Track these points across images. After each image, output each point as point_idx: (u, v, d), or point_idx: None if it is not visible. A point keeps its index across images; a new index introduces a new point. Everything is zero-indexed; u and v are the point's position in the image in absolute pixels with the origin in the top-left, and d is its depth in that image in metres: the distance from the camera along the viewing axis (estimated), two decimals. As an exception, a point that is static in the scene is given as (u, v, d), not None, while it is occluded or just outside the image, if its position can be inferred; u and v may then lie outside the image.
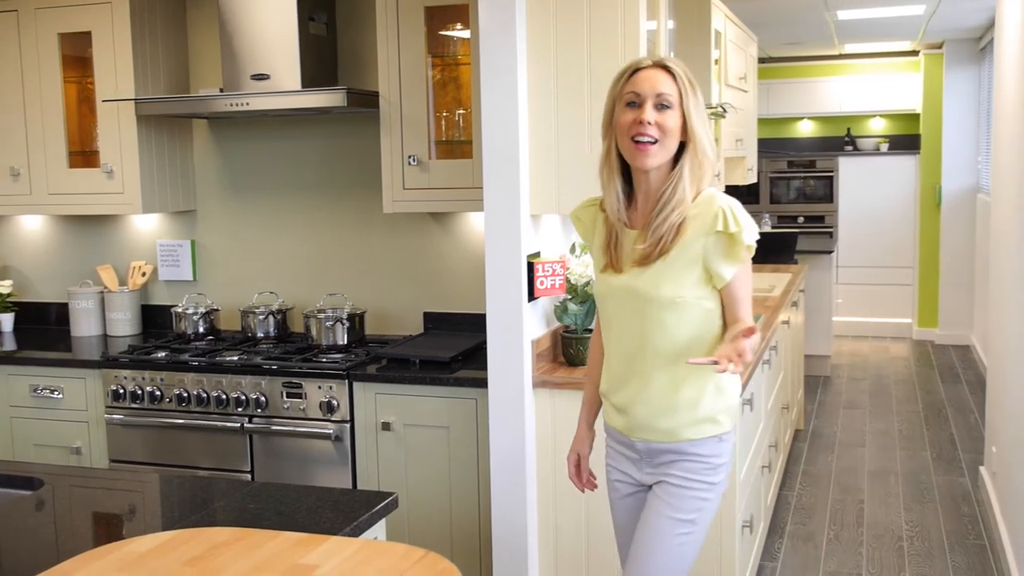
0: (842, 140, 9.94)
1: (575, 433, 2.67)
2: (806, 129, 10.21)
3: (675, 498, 2.37)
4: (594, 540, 3.34)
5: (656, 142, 2.26)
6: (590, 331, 3.47)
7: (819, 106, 9.86)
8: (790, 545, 4.50)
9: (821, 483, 5.31)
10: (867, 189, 9.47)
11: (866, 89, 9.67)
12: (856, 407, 6.87)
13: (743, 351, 2.09)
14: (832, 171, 9.49)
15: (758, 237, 2.29)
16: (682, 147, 2.30)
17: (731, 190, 6.09)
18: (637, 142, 2.26)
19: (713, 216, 2.26)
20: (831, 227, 9.44)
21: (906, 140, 9.72)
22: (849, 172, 9.52)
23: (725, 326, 2.35)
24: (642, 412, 2.38)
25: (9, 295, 4.64)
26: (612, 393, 2.46)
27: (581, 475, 2.65)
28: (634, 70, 2.31)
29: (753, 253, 2.31)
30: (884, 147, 9.75)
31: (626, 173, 2.37)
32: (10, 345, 4.35)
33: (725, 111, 4.52)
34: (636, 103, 2.27)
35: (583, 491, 2.70)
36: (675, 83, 2.28)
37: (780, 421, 4.98)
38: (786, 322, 5.13)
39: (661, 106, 2.26)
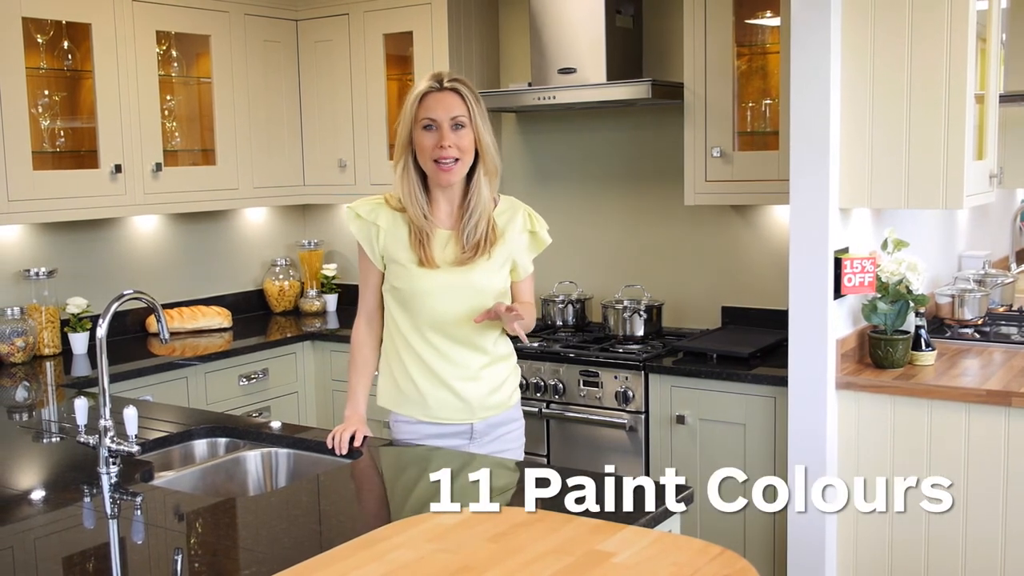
0: None
1: (356, 413, 2.71)
2: None
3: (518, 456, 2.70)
4: (898, 555, 3.16)
5: (457, 160, 2.46)
6: (901, 332, 3.28)
7: None
8: None
9: None
10: None
11: None
12: None
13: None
14: None
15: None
16: (475, 157, 2.51)
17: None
18: (440, 163, 2.46)
19: (522, 218, 2.59)
20: None
21: None
22: None
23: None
24: (481, 390, 2.56)
25: (333, 277, 5.03)
26: (441, 384, 2.56)
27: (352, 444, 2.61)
28: (423, 94, 2.48)
29: None
30: None
31: (422, 181, 2.56)
32: (333, 324, 4.71)
33: (1064, 98, 4.12)
34: (432, 127, 2.46)
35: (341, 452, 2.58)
36: (464, 104, 2.47)
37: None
38: None
39: (456, 127, 2.46)
